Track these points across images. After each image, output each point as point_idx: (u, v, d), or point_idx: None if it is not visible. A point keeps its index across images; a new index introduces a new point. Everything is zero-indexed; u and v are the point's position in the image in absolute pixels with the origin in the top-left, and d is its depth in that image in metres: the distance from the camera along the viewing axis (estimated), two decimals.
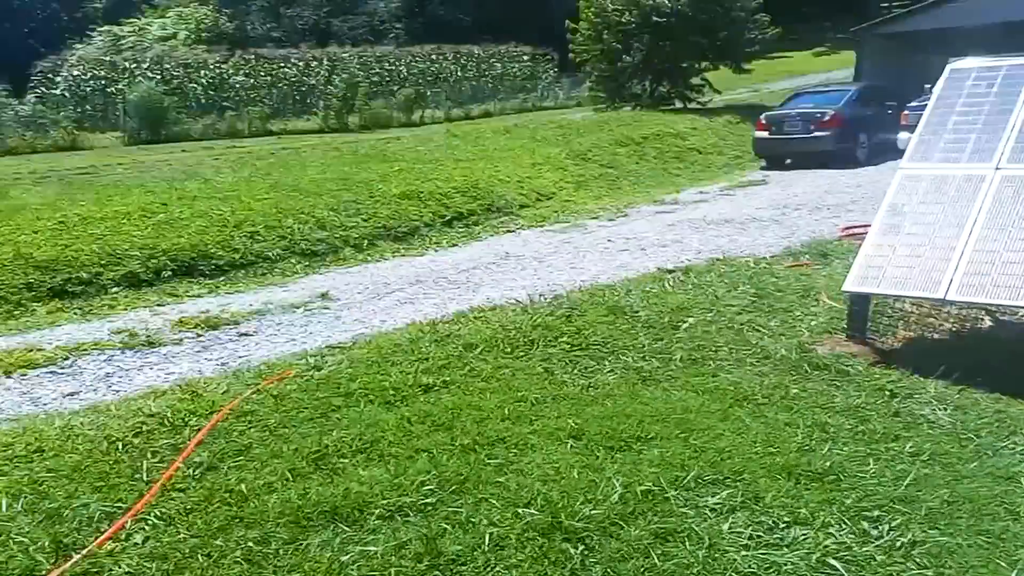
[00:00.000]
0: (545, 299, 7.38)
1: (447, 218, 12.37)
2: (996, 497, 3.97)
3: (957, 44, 24.74)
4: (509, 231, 12.36)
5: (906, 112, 15.54)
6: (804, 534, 3.62)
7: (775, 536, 3.62)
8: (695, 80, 25.15)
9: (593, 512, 3.76)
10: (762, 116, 18.80)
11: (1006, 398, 5.10)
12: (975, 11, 21.11)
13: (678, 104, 25.02)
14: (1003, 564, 3.48)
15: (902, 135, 14.21)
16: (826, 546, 3.52)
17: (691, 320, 6.58)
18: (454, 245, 11.43)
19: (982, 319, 6.62)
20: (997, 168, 5.89)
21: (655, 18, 23.24)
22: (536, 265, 9.81)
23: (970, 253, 5.55)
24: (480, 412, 4.93)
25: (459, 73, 35.66)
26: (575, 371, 5.68)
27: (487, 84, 35.96)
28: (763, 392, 5.20)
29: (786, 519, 3.73)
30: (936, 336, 6.36)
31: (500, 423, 4.78)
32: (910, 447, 4.45)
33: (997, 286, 5.29)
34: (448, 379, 5.54)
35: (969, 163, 6.03)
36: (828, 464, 4.21)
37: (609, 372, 5.64)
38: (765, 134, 18.30)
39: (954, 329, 6.50)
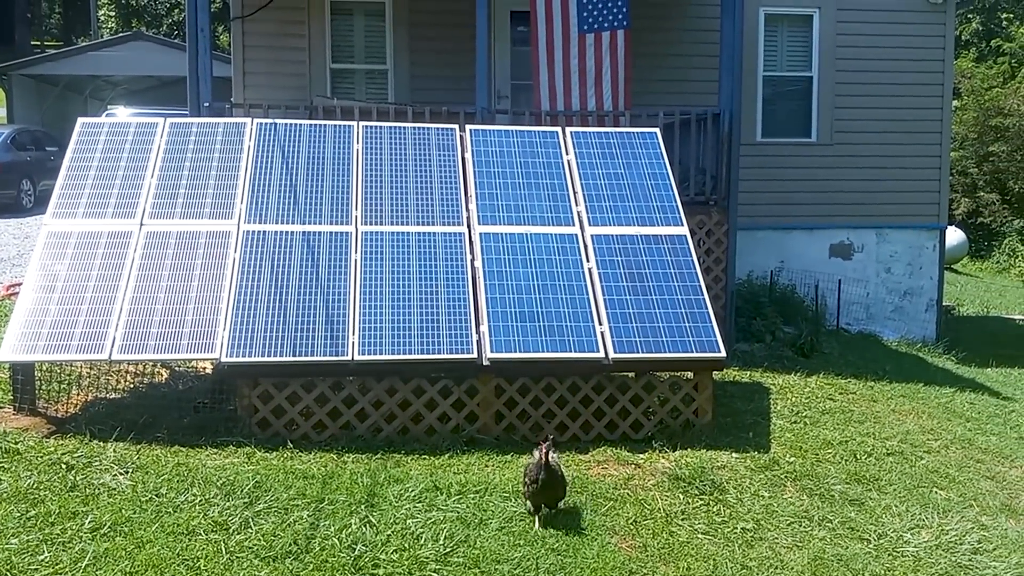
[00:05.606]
0: None
1: None
2: (178, 556, 3.95)
3: (110, 91, 25.28)
4: None
5: None
6: None
7: None
8: None
9: None
10: None
11: (185, 449, 5.18)
12: (127, 62, 21.74)
13: None
14: None
15: None
16: None
17: None
18: None
19: (160, 372, 6.66)
20: (142, 224, 6.00)
21: None
22: None
23: (128, 309, 5.52)
24: None
25: None
26: None
27: None
28: None
29: None
30: (113, 395, 6.18)
31: None
32: (90, 522, 4.20)
33: (158, 340, 5.36)
34: None
35: (115, 219, 6.01)
36: None
37: None
38: None
39: (132, 386, 6.40)
